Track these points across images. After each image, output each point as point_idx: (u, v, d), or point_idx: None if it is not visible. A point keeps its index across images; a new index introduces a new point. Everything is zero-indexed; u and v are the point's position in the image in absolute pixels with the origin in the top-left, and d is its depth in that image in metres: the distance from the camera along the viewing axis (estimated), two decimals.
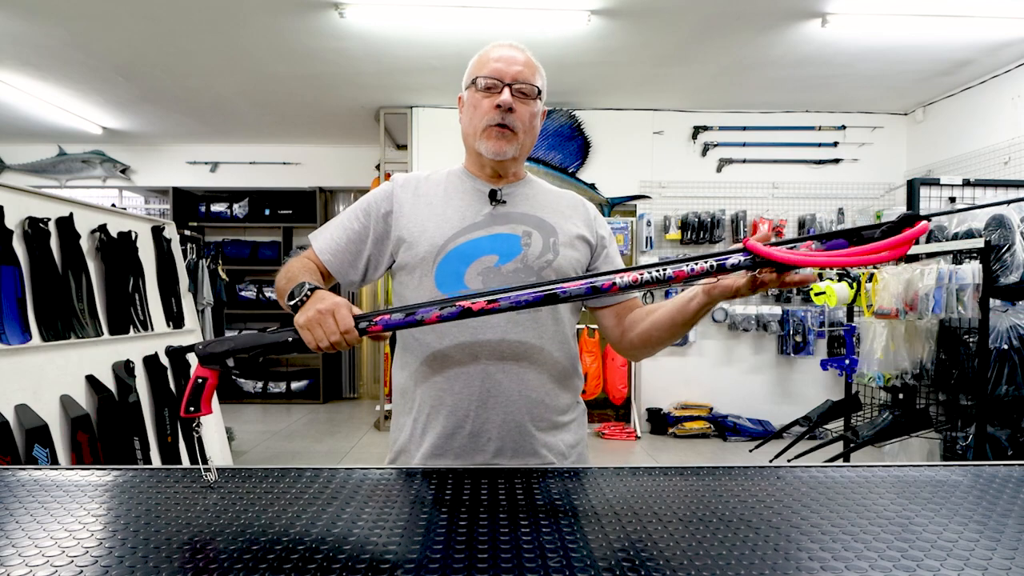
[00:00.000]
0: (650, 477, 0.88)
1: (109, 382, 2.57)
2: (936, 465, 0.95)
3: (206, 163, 6.09)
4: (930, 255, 2.78)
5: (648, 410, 4.79)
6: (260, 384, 6.03)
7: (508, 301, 0.84)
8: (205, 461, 0.86)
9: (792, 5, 3.16)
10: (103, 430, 2.43)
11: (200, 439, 0.86)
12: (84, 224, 2.59)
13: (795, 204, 4.85)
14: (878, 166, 4.86)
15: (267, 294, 6.13)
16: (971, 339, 2.60)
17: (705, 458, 4.11)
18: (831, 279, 2.98)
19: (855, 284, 2.93)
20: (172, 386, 2.96)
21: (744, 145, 4.85)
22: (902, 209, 3.94)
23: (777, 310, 4.74)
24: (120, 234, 2.83)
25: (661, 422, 4.73)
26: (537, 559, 0.61)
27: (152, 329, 2.96)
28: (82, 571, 0.58)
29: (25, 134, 5.54)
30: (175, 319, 3.22)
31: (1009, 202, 1.40)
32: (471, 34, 3.50)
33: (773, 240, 0.81)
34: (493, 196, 1.09)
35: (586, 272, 1.13)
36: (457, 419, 1.03)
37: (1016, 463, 0.96)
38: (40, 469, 0.92)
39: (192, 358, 0.87)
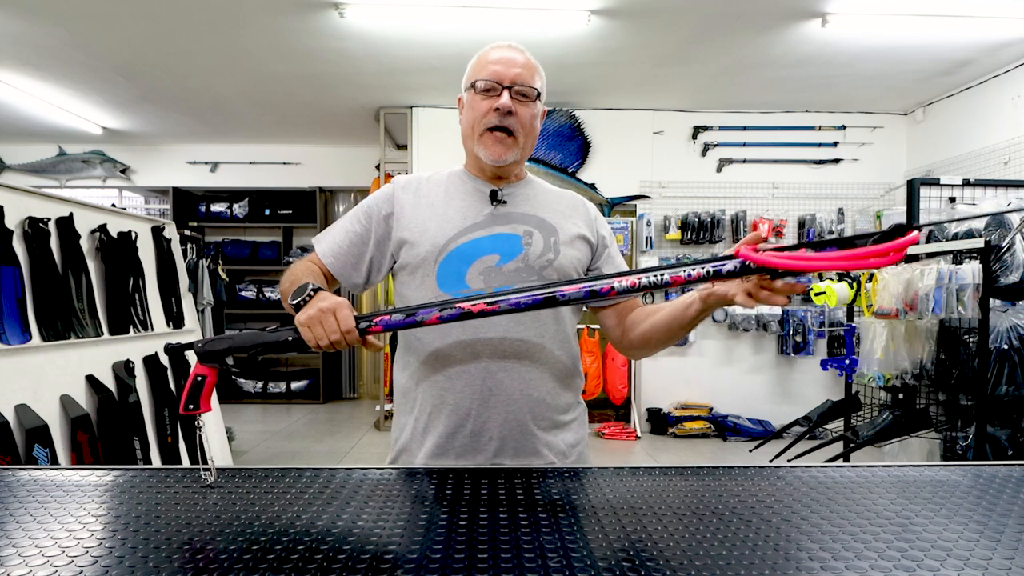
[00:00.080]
0: (650, 477, 0.88)
1: (109, 382, 2.57)
2: (936, 465, 0.95)
3: (206, 163, 6.09)
4: (930, 255, 2.77)
5: (648, 410, 4.79)
6: (260, 384, 6.03)
7: (507, 303, 0.85)
8: (206, 461, 0.86)
9: (792, 5, 3.16)
10: (103, 430, 2.43)
11: (201, 438, 0.86)
12: (84, 224, 2.59)
13: (795, 204, 4.85)
14: (878, 166, 4.86)
15: (267, 294, 6.13)
16: (971, 339, 2.60)
17: (705, 458, 4.11)
18: (831, 279, 2.98)
19: (855, 284, 2.93)
20: (172, 386, 2.96)
21: (744, 145, 4.85)
22: (902, 209, 3.94)
23: (777, 310, 4.74)
24: (120, 234, 2.83)
25: (661, 422, 4.73)
26: (537, 559, 0.61)
27: (152, 329, 2.96)
28: (82, 571, 0.58)
29: (25, 134, 5.54)
30: (175, 319, 3.22)
31: (997, 213, 1.39)
32: (471, 34, 3.50)
33: (771, 246, 0.81)
34: (494, 196, 1.10)
35: (587, 271, 1.13)
36: (458, 418, 1.03)
37: (1016, 463, 0.96)
38: (40, 469, 0.92)
39: (192, 357, 0.87)
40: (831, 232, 4.73)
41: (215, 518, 0.72)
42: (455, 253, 1.05)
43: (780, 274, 0.81)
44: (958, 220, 1.03)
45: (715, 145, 4.85)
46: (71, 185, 5.99)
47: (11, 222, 2.19)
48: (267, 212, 6.14)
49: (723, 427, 4.63)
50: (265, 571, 0.58)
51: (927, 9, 3.18)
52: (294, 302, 0.91)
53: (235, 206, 6.12)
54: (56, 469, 0.92)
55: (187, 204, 6.13)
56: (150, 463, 2.70)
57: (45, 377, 2.25)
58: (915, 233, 0.73)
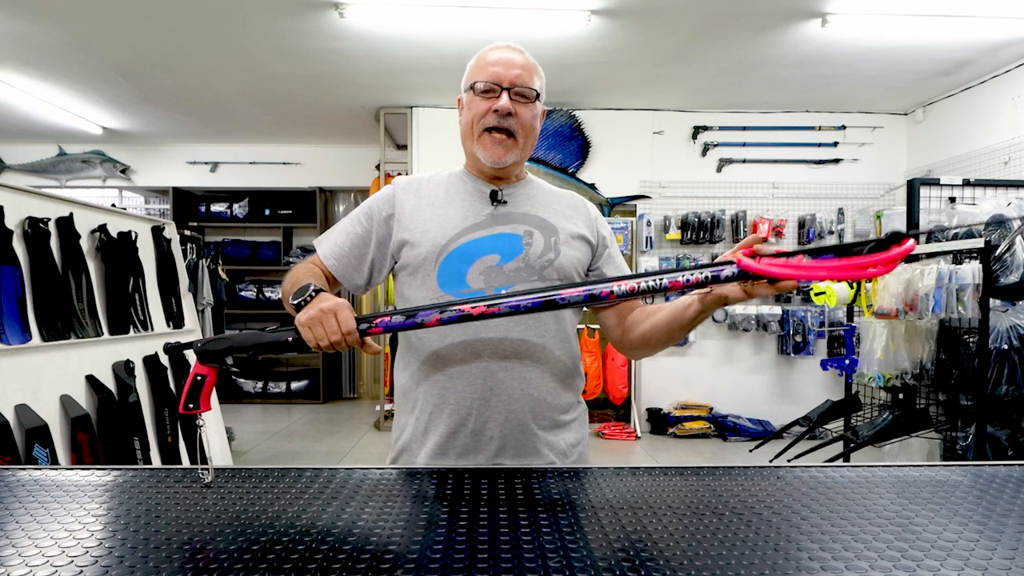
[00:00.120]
0: (650, 477, 0.88)
1: (109, 382, 2.57)
2: (936, 465, 0.96)
3: (206, 163, 6.09)
4: (930, 255, 2.77)
5: (648, 410, 4.79)
6: (260, 384, 6.03)
7: (507, 306, 0.85)
8: (205, 461, 0.86)
9: (792, 5, 3.16)
10: (103, 430, 2.43)
11: (201, 438, 0.86)
12: (84, 224, 2.59)
13: (795, 204, 4.85)
14: (878, 166, 4.86)
15: (267, 294, 6.13)
16: (971, 339, 2.60)
17: (705, 458, 4.11)
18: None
19: (855, 284, 2.93)
20: (172, 386, 2.96)
21: (744, 145, 4.85)
22: (902, 209, 3.94)
23: (777, 310, 4.74)
24: (120, 234, 2.83)
25: (661, 422, 4.73)
26: (537, 559, 0.61)
27: (152, 329, 2.96)
28: (82, 571, 0.58)
29: (25, 134, 5.54)
30: (175, 319, 3.22)
31: (989, 224, 1.40)
32: (471, 34, 3.50)
33: (769, 249, 0.83)
34: (494, 196, 1.10)
35: (587, 271, 1.14)
36: (459, 417, 1.03)
37: (1016, 463, 0.96)
38: (40, 469, 0.92)
39: (192, 356, 0.88)
40: (831, 232, 4.74)
41: (215, 518, 0.72)
42: (456, 253, 1.05)
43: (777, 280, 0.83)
44: (950, 229, 1.04)
45: (715, 145, 4.85)
46: (71, 185, 5.99)
47: (11, 222, 2.19)
48: (267, 212, 6.14)
49: (723, 427, 4.63)
50: (265, 571, 0.59)
51: (927, 9, 3.18)
52: (295, 302, 0.92)
53: (235, 206, 6.12)
54: (56, 469, 0.92)
55: (187, 204, 6.13)
56: (150, 463, 2.70)
57: (45, 377, 2.25)
58: (910, 243, 0.74)
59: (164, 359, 2.96)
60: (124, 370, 2.65)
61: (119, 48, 3.70)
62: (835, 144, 4.85)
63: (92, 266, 2.62)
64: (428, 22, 3.36)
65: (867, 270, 0.76)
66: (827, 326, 4.76)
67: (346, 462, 3.17)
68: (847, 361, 3.07)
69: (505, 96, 1.04)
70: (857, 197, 4.83)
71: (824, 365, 3.23)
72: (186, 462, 2.94)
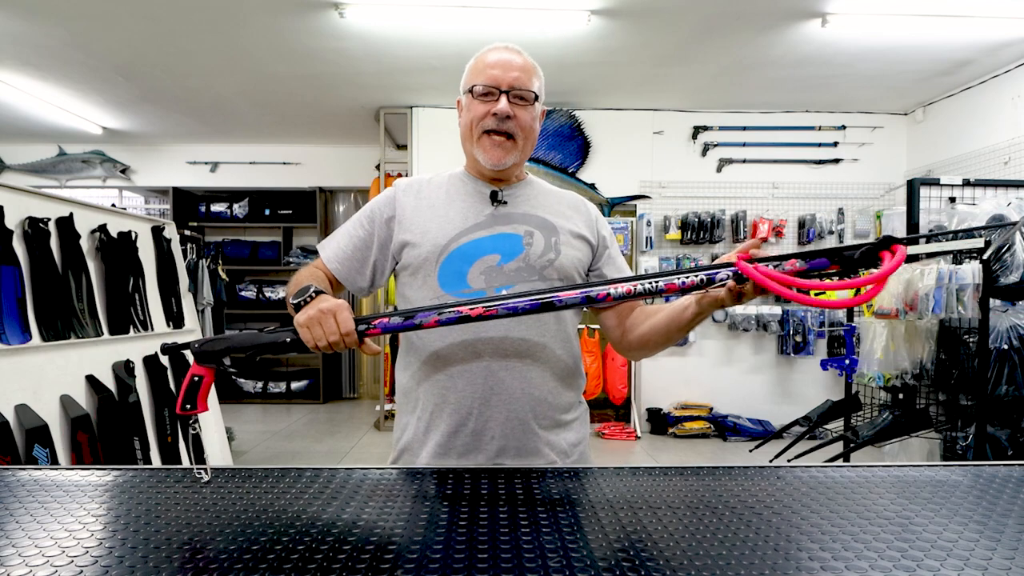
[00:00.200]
0: (650, 477, 0.88)
1: (109, 382, 2.57)
2: (936, 465, 0.96)
3: (206, 163, 6.09)
4: (930, 255, 2.77)
5: (648, 410, 4.79)
6: (260, 384, 6.03)
7: (505, 308, 0.86)
8: (201, 460, 0.86)
9: (792, 5, 3.16)
10: (103, 430, 2.43)
11: (197, 437, 0.86)
12: (84, 224, 2.59)
13: (795, 204, 4.85)
14: (878, 166, 4.86)
15: (267, 294, 6.13)
16: (971, 339, 2.60)
17: (705, 458, 4.11)
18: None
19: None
20: (172, 386, 2.96)
21: (744, 145, 4.85)
22: (902, 209, 3.94)
23: (777, 310, 4.74)
24: (120, 234, 2.83)
25: (661, 422, 4.73)
26: (537, 559, 0.61)
27: (152, 329, 2.96)
28: (82, 571, 0.58)
29: (25, 134, 5.54)
30: (175, 319, 3.22)
31: (983, 228, 1.39)
32: (471, 34, 3.50)
33: (763, 255, 0.84)
34: (494, 197, 1.10)
35: (588, 271, 1.14)
36: (460, 417, 1.04)
37: (1016, 463, 0.96)
38: (40, 469, 0.92)
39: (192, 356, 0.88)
40: (831, 232, 4.74)
41: (215, 518, 0.72)
42: (456, 253, 1.05)
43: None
44: (944, 234, 1.04)
45: (715, 145, 4.85)
46: (71, 185, 5.99)
47: (11, 222, 2.19)
48: (267, 212, 6.14)
49: (723, 427, 4.63)
50: (265, 571, 0.58)
51: (927, 9, 3.18)
52: (294, 302, 0.92)
53: (235, 206, 6.12)
54: (56, 469, 0.92)
55: (187, 204, 6.13)
56: (150, 463, 2.70)
57: (45, 377, 2.25)
58: (900, 255, 0.77)
59: (164, 359, 2.96)
60: (124, 370, 2.65)
61: (119, 48, 3.70)
62: (835, 144, 4.85)
63: (92, 266, 2.62)
64: (428, 22, 3.36)
65: (863, 290, 0.77)
66: (827, 326, 4.76)
67: (346, 462, 3.17)
68: (847, 361, 3.07)
69: (504, 99, 1.04)
70: (857, 197, 4.83)
71: (824, 365, 3.23)
72: (186, 462, 2.94)
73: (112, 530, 0.68)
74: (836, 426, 3.34)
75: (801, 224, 4.80)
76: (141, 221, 3.10)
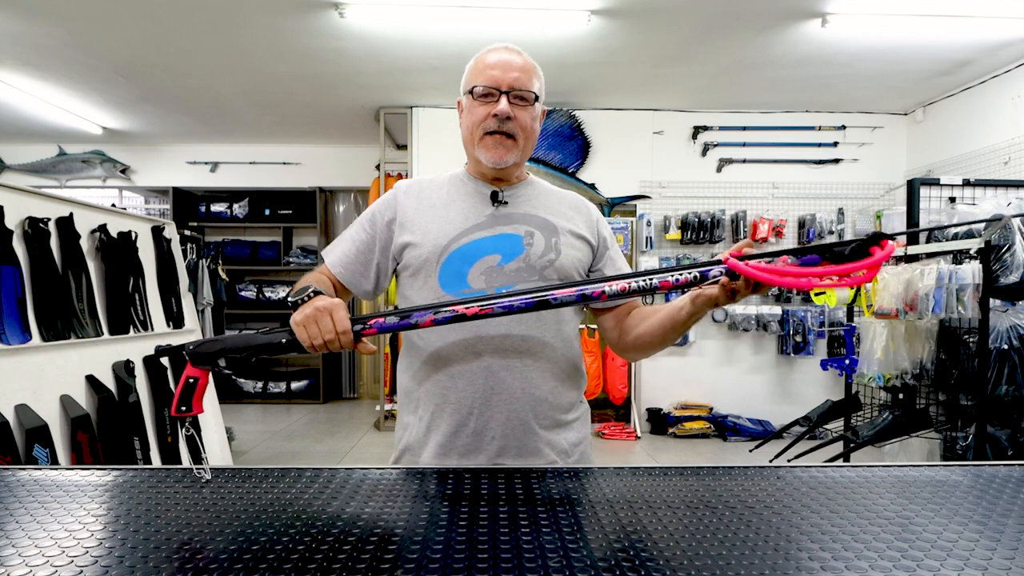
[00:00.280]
0: (650, 477, 0.88)
1: (109, 382, 2.56)
2: (936, 465, 0.96)
3: (206, 163, 6.09)
4: (930, 255, 2.77)
5: (648, 410, 4.79)
6: (260, 384, 6.03)
7: (500, 306, 0.86)
8: (199, 460, 0.86)
9: (792, 5, 3.16)
10: (103, 430, 2.43)
11: (193, 437, 0.86)
12: (84, 224, 2.59)
13: (795, 204, 4.85)
14: (878, 166, 4.86)
15: (267, 294, 6.13)
16: (971, 339, 2.60)
17: (705, 458, 4.11)
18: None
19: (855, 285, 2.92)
20: (172, 386, 2.95)
21: (744, 145, 4.85)
22: (902, 209, 3.94)
23: (777, 310, 4.74)
24: (120, 234, 2.83)
25: (661, 422, 4.73)
26: (537, 559, 0.61)
27: (152, 329, 2.96)
28: (82, 571, 0.58)
29: (25, 134, 5.54)
30: (175, 319, 3.22)
31: (966, 224, 1.39)
32: (471, 34, 3.50)
33: (755, 252, 0.85)
34: (495, 197, 1.10)
35: (588, 272, 1.14)
36: (461, 417, 1.04)
37: (1016, 463, 0.96)
38: (40, 469, 0.92)
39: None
40: (831, 232, 4.74)
41: (215, 518, 0.72)
42: (457, 253, 1.05)
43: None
44: (932, 229, 1.05)
45: (715, 145, 4.85)
46: (71, 185, 5.99)
47: (11, 222, 2.19)
48: (267, 212, 6.14)
49: (723, 427, 4.63)
50: (265, 571, 0.59)
51: (927, 9, 3.18)
52: (292, 301, 0.92)
53: (235, 206, 6.12)
54: (56, 469, 0.92)
55: (187, 204, 6.13)
56: (150, 463, 2.70)
57: (45, 377, 2.25)
58: (891, 246, 0.78)
59: (164, 359, 2.96)
60: (124, 370, 2.65)
61: (119, 48, 3.70)
62: (835, 144, 4.85)
63: (92, 266, 2.62)
64: (428, 22, 3.36)
65: (853, 275, 0.79)
66: (827, 326, 4.76)
67: (346, 462, 3.17)
68: (847, 361, 3.07)
69: (504, 100, 1.04)
70: (857, 197, 4.83)
71: (824, 365, 3.23)
72: (186, 462, 2.93)
73: (112, 530, 0.68)
74: (836, 426, 3.34)
75: (801, 224, 4.80)
76: (141, 221, 3.10)
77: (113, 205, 5.00)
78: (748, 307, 4.75)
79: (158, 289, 3.13)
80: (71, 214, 2.49)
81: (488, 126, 1.05)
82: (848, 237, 4.75)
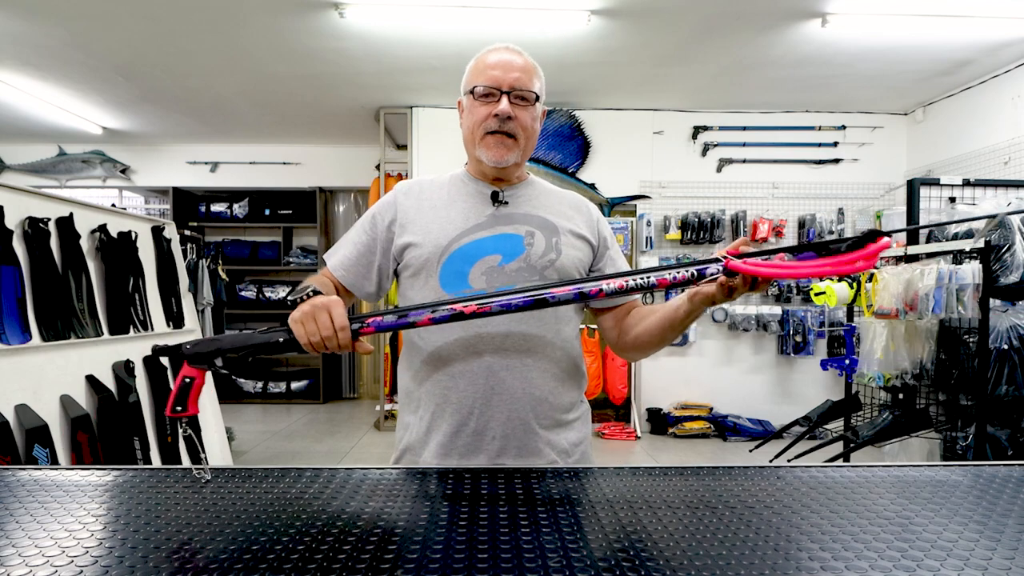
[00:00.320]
0: (650, 477, 0.88)
1: (109, 382, 2.56)
2: (936, 465, 0.95)
3: (206, 163, 6.09)
4: (930, 255, 2.77)
5: (648, 410, 4.79)
6: (260, 384, 6.03)
7: (498, 305, 0.86)
8: (197, 460, 0.86)
9: (792, 5, 3.16)
10: (103, 430, 2.43)
11: (191, 437, 0.86)
12: (84, 224, 2.59)
13: (795, 204, 4.85)
14: (878, 166, 4.86)
15: (267, 294, 6.13)
16: (971, 339, 2.60)
17: (705, 458, 4.11)
18: (831, 279, 2.98)
19: (855, 284, 2.93)
20: (172, 386, 2.95)
21: (744, 145, 4.85)
22: (902, 209, 3.94)
23: (777, 310, 4.74)
24: (120, 234, 2.83)
25: (661, 422, 4.73)
26: (537, 559, 0.61)
27: (152, 329, 2.96)
28: (82, 571, 0.58)
29: (25, 134, 5.54)
30: (175, 319, 3.22)
31: (959, 220, 1.39)
32: (471, 34, 3.50)
33: (751, 250, 0.85)
34: (495, 197, 1.10)
35: (588, 272, 1.14)
36: (461, 417, 1.04)
37: (1016, 463, 0.96)
38: (40, 469, 0.92)
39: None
40: (831, 232, 4.74)
41: (215, 518, 0.72)
42: (458, 254, 1.05)
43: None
44: (931, 226, 1.06)
45: (715, 145, 4.85)
46: (71, 185, 5.99)
47: (11, 222, 2.19)
48: (267, 212, 6.14)
49: (723, 427, 4.63)
50: (265, 571, 0.59)
51: (927, 9, 3.18)
52: (291, 299, 0.92)
53: (235, 206, 6.12)
54: (56, 469, 0.92)
55: (187, 204, 6.13)
56: (150, 463, 2.70)
57: (45, 377, 2.25)
58: (886, 240, 0.78)
59: (164, 359, 2.96)
60: (124, 370, 2.65)
61: (119, 48, 3.70)
62: (835, 144, 4.85)
63: (92, 266, 2.62)
64: (428, 22, 3.36)
65: (845, 267, 0.79)
66: (827, 326, 4.76)
67: (346, 462, 3.17)
68: (847, 361, 3.07)
69: (505, 100, 1.04)
70: (857, 197, 4.83)
71: (824, 365, 3.23)
72: (186, 462, 2.93)
73: (112, 530, 0.68)
74: (836, 426, 3.34)
75: (801, 224, 4.80)
76: (141, 221, 3.10)
77: (113, 205, 5.00)
78: (748, 307, 4.75)
79: (158, 289, 3.13)
80: (71, 214, 2.49)
81: (489, 126, 1.05)
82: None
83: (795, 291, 4.73)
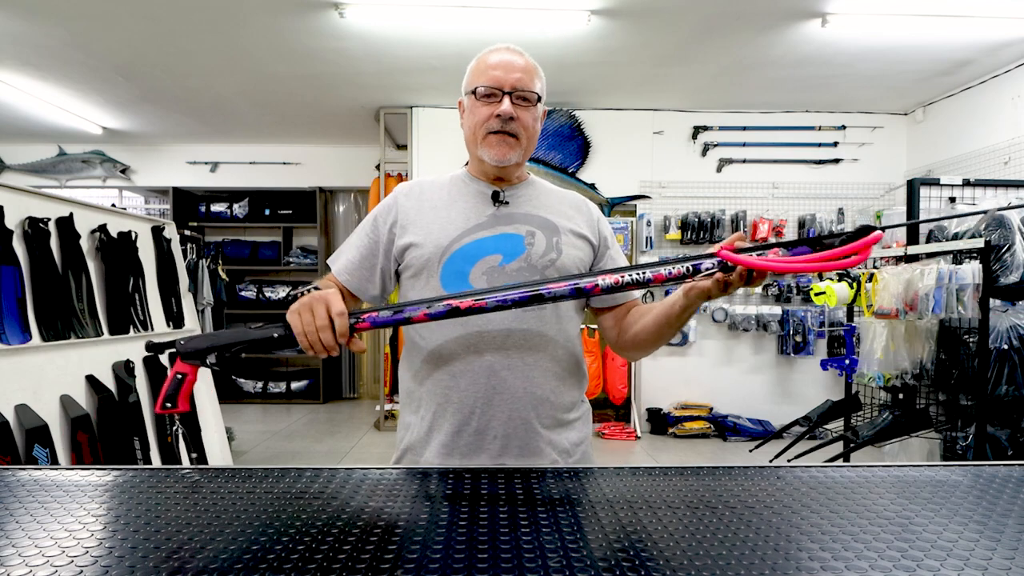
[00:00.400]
0: (650, 477, 0.88)
1: (109, 382, 2.56)
2: (936, 465, 0.95)
3: (206, 163, 6.09)
4: (930, 255, 2.77)
5: (648, 410, 4.79)
6: (260, 384, 6.03)
7: (494, 300, 0.86)
8: (192, 458, 0.86)
9: (792, 5, 3.16)
10: (103, 430, 2.43)
11: (186, 435, 0.86)
12: (84, 224, 2.59)
13: (795, 204, 4.85)
14: (878, 166, 4.86)
15: (267, 294, 6.13)
16: (971, 339, 2.60)
17: (705, 458, 4.11)
18: (831, 279, 2.98)
19: (855, 284, 2.93)
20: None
21: (744, 145, 4.85)
22: (902, 209, 3.94)
23: (777, 310, 4.74)
24: (120, 234, 2.83)
25: (661, 422, 4.73)
26: (537, 559, 0.61)
27: (152, 329, 2.96)
28: (82, 571, 0.58)
29: (25, 134, 5.54)
30: (175, 319, 3.22)
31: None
32: (471, 34, 3.50)
33: (746, 245, 0.86)
34: (496, 197, 1.10)
35: (589, 271, 1.14)
36: (463, 416, 1.04)
37: (1016, 463, 0.96)
38: (40, 469, 0.92)
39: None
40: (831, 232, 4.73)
41: (215, 518, 0.72)
42: (458, 254, 1.06)
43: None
44: (922, 222, 1.06)
45: (715, 145, 4.85)
46: (71, 185, 5.99)
47: (11, 222, 2.19)
48: (267, 212, 6.14)
49: (723, 427, 4.63)
50: (265, 571, 0.58)
51: (927, 9, 3.18)
52: (291, 293, 0.92)
53: (235, 206, 6.12)
54: (56, 469, 0.92)
55: (187, 204, 6.13)
56: (150, 463, 2.70)
57: (45, 377, 2.25)
58: (878, 232, 0.78)
59: (163, 359, 2.96)
60: (124, 370, 2.65)
61: (119, 48, 3.70)
62: (835, 144, 4.85)
63: (92, 266, 2.62)
64: (428, 22, 3.36)
65: (839, 260, 0.79)
66: (827, 326, 4.76)
67: (346, 462, 3.17)
68: (847, 361, 3.07)
69: (507, 100, 1.04)
70: (857, 197, 4.83)
71: (824, 365, 3.23)
72: (186, 462, 2.94)
73: (112, 530, 0.68)
74: (836, 426, 3.34)
75: (801, 224, 4.80)
76: (141, 221, 3.10)
77: (113, 205, 5.00)
78: (748, 307, 4.75)
79: (158, 289, 3.13)
80: (71, 214, 2.49)
81: (491, 126, 1.05)
82: None
83: (795, 291, 4.73)
